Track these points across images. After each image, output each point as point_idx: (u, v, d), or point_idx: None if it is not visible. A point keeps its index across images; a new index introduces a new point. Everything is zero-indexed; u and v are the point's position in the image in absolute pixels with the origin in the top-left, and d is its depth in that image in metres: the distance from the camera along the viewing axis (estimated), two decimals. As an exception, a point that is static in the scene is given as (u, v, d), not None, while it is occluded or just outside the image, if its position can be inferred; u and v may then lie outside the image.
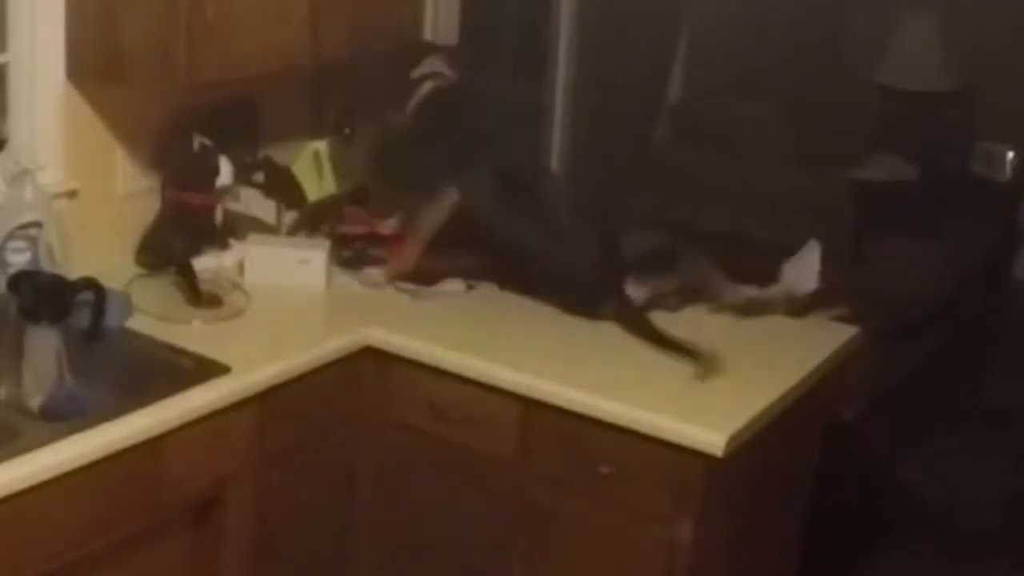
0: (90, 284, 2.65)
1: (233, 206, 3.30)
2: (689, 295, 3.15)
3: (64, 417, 2.44)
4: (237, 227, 3.30)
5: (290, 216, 3.36)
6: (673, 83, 5.34)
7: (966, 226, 5.43)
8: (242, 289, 3.06)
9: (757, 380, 2.80)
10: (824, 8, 5.78)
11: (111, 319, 2.72)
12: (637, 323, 2.99)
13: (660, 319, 3.01)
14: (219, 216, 3.25)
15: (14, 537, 2.25)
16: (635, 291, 3.08)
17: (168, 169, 3.19)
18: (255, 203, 3.34)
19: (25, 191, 2.81)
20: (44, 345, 2.55)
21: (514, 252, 3.16)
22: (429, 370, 2.88)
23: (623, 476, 2.69)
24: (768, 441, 2.73)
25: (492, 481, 2.87)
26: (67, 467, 2.30)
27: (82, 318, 2.65)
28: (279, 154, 3.39)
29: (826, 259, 3.24)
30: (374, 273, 3.20)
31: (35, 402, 2.53)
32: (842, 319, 3.16)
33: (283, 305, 3.03)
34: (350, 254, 3.26)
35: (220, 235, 3.25)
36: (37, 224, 2.82)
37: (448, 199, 3.19)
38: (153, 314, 2.87)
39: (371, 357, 2.94)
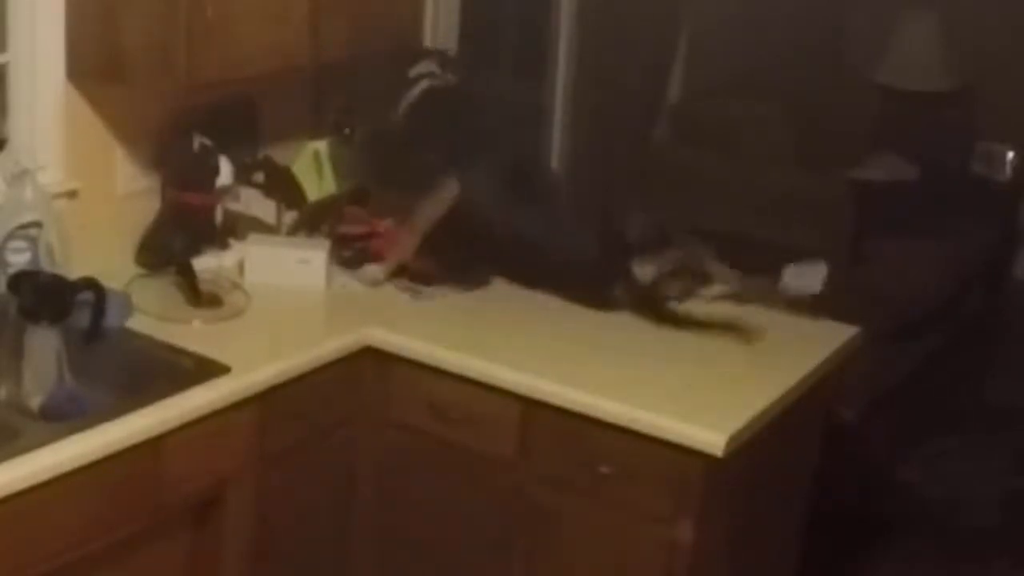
0: (90, 284, 2.65)
1: (233, 206, 3.30)
2: (685, 276, 3.16)
3: (64, 417, 2.44)
4: (237, 227, 3.30)
5: (290, 216, 3.36)
6: (673, 83, 5.34)
7: (966, 226, 5.43)
8: (242, 289, 3.06)
9: (757, 380, 2.80)
10: (824, 8, 5.78)
11: (111, 319, 2.72)
12: (654, 309, 3.00)
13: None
14: (219, 216, 3.25)
15: (14, 537, 2.25)
16: (641, 271, 3.09)
17: (168, 169, 3.19)
18: (255, 203, 3.34)
19: (25, 191, 2.81)
20: (44, 345, 2.55)
21: (519, 243, 3.17)
22: (429, 370, 2.87)
23: (623, 476, 2.69)
24: (768, 441, 2.73)
25: (492, 481, 2.87)
26: (67, 467, 2.30)
27: (82, 318, 2.65)
28: (279, 154, 3.39)
29: (829, 270, 3.26)
30: (373, 269, 3.20)
31: (35, 402, 2.53)
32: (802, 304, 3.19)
33: (283, 305, 3.03)
34: (350, 254, 3.26)
35: (220, 235, 3.25)
36: (37, 224, 2.82)
37: (448, 192, 3.19)
38: (153, 314, 2.87)
39: (371, 357, 2.94)
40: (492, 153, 3.22)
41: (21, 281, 2.61)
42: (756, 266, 3.33)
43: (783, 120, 5.24)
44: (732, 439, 2.57)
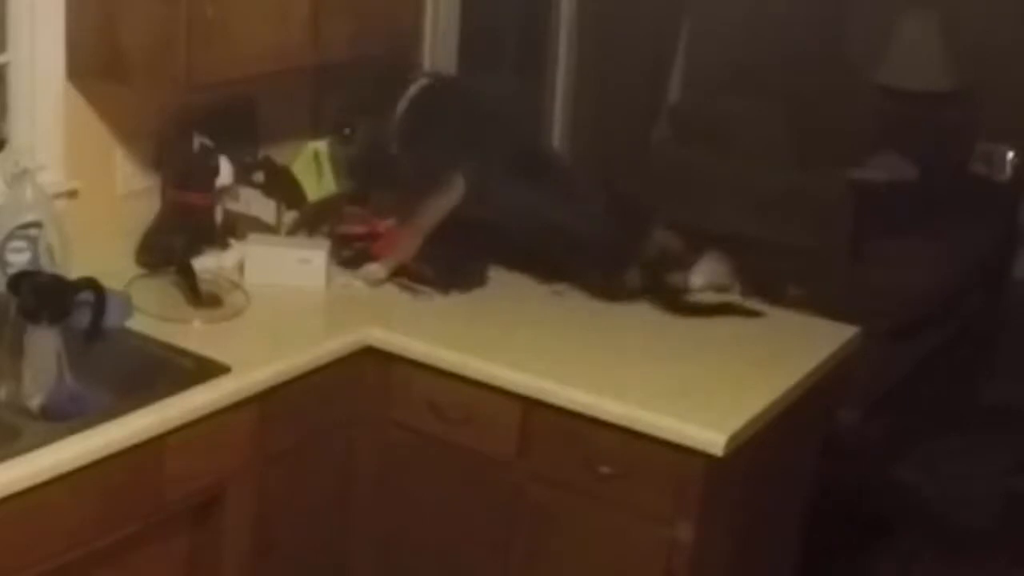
0: (90, 284, 2.65)
1: (233, 206, 3.30)
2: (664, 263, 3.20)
3: (64, 417, 2.44)
4: (237, 227, 3.30)
5: (290, 216, 3.36)
6: (673, 83, 5.34)
7: (966, 226, 5.43)
8: (242, 289, 3.06)
9: (757, 380, 2.80)
10: (824, 8, 5.78)
11: (111, 319, 2.72)
12: (670, 301, 3.02)
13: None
14: (219, 216, 3.25)
15: (14, 537, 2.25)
16: (690, 279, 3.15)
17: (168, 169, 3.19)
18: (255, 203, 3.34)
19: (25, 191, 2.81)
20: (44, 345, 2.55)
21: (534, 230, 3.17)
22: (429, 370, 2.87)
23: (623, 476, 2.69)
24: (768, 441, 2.73)
25: (492, 481, 2.87)
26: (67, 467, 2.30)
27: (82, 318, 2.65)
28: (279, 154, 3.39)
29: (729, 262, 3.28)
30: (374, 268, 3.20)
31: (35, 402, 2.53)
32: (800, 302, 3.19)
33: (283, 305, 3.03)
34: (350, 254, 3.26)
35: (220, 235, 3.25)
36: (37, 224, 2.82)
37: (455, 190, 3.18)
38: (153, 314, 2.87)
39: (371, 357, 2.94)
40: (494, 145, 3.22)
41: (21, 281, 2.61)
42: (756, 265, 3.33)
43: (783, 120, 5.23)
44: (732, 439, 2.57)
